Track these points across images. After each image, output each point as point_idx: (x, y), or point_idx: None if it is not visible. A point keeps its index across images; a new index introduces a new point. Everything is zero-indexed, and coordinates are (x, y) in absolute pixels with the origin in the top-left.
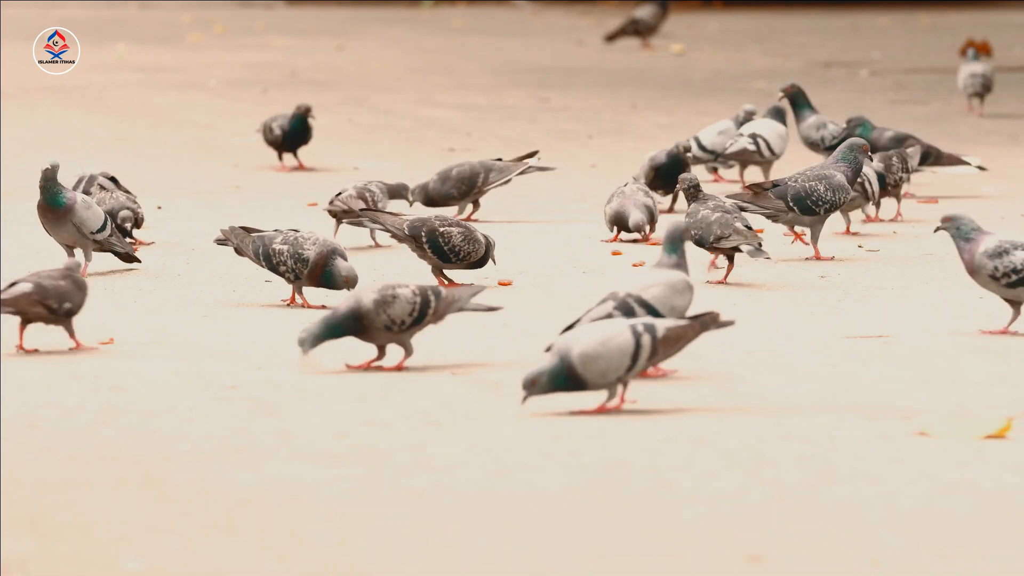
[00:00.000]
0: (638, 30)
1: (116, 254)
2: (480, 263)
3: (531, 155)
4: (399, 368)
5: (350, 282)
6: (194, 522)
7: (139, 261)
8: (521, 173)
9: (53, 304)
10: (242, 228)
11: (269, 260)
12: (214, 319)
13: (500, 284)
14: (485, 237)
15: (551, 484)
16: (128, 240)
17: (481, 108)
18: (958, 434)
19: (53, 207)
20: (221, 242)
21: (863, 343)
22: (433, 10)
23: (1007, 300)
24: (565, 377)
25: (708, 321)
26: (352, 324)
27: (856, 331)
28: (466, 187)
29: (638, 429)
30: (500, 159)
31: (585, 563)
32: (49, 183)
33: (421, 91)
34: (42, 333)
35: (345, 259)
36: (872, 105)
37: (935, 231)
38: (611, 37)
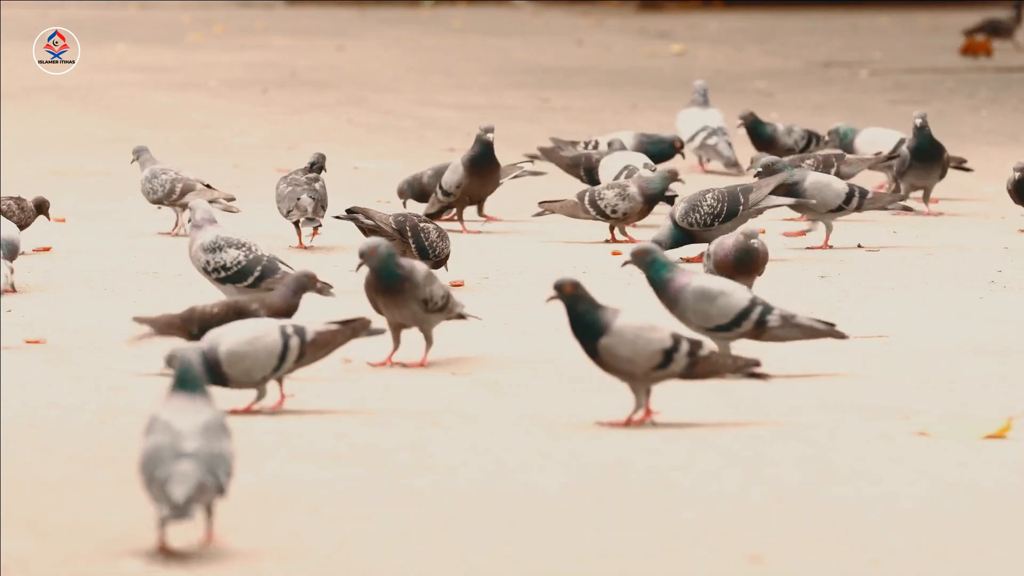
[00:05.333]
0: (996, 29)
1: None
2: (445, 262)
3: (530, 159)
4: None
5: None
6: (194, 522)
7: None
8: (515, 176)
9: None
10: None
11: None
12: None
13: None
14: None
15: (551, 484)
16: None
17: (481, 108)
18: (958, 434)
19: None
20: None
21: (863, 343)
22: (433, 10)
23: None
24: (210, 369)
25: (359, 327)
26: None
27: (856, 331)
28: None
29: (638, 429)
30: None
31: (585, 563)
32: None
33: (421, 91)
34: (43, 331)
35: None
36: (872, 105)
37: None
38: (969, 32)
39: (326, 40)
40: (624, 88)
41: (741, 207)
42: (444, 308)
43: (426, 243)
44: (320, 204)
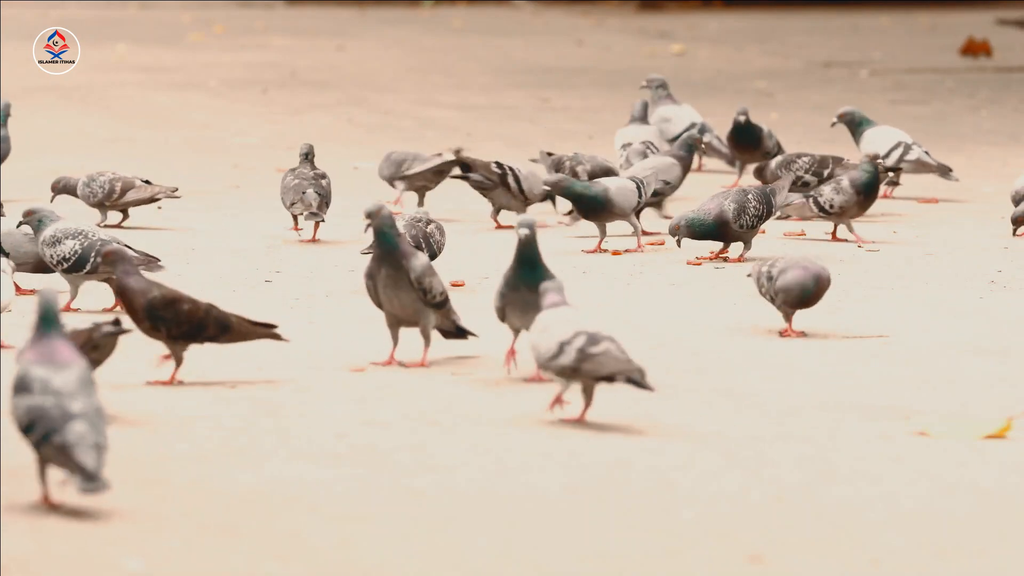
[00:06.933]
0: None
1: None
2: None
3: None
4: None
5: None
6: (194, 522)
7: None
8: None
9: None
10: None
11: None
12: None
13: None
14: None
15: (551, 484)
16: None
17: (481, 108)
18: (958, 434)
19: None
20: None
21: (863, 343)
22: (433, 10)
23: None
24: None
25: (111, 331)
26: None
27: (856, 331)
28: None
29: (638, 429)
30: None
31: (585, 563)
32: None
33: (421, 91)
34: None
35: None
36: (872, 105)
37: None
38: (1004, 22)
39: (326, 40)
40: (624, 88)
41: (773, 209)
42: (442, 305)
43: (434, 245)
44: (324, 201)
